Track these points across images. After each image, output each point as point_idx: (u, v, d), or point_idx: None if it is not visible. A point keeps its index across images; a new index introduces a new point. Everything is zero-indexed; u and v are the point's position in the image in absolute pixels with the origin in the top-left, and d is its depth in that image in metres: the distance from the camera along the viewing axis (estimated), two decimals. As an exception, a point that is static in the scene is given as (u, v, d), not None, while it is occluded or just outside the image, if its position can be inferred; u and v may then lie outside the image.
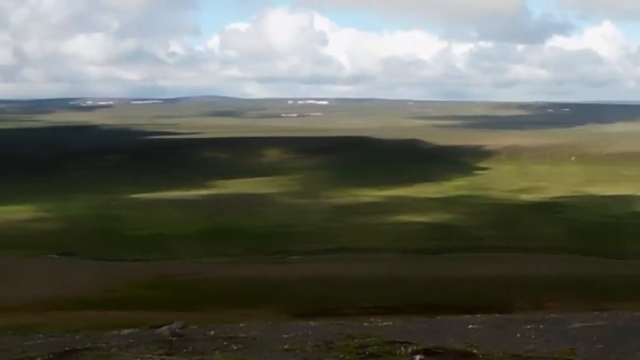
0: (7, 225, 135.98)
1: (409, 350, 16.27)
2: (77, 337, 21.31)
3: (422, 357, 15.81)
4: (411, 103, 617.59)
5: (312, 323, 24.80)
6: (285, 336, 19.26)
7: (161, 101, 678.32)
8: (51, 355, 15.68)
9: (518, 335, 19.55)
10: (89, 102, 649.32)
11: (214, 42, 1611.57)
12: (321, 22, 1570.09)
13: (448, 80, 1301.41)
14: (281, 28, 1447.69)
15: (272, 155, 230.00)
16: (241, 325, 24.41)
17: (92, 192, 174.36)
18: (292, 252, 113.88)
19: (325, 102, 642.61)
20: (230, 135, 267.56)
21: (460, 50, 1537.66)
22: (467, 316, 26.58)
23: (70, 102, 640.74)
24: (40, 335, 22.16)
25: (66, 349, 16.58)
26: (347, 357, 16.08)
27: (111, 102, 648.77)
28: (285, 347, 17.46)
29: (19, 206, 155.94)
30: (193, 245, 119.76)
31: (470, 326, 21.53)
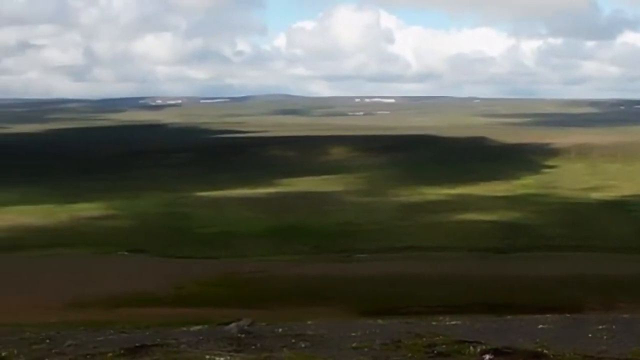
0: (79, 222, 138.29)
1: (478, 350, 16.11)
2: (147, 333, 21.55)
3: (491, 357, 15.64)
4: (478, 101, 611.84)
5: (379, 321, 24.73)
6: (353, 334, 19.22)
7: (229, 100, 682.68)
8: (122, 351, 15.87)
9: (589, 335, 19.25)
10: (158, 101, 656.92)
11: (280, 40, 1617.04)
12: (388, 20, 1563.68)
13: (516, 78, 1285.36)
14: (348, 26, 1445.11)
15: (339, 153, 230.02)
16: (309, 323, 24.44)
17: (161, 190, 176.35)
18: (359, 251, 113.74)
19: (392, 100, 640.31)
20: (296, 134, 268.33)
21: (529, 46, 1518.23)
22: (537, 316, 26.25)
23: (140, 101, 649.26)
24: (112, 331, 22.47)
25: (137, 344, 16.76)
26: (415, 356, 15.99)
27: (180, 101, 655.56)
28: (353, 345, 17.42)
29: (90, 204, 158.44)
30: (260, 243, 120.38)
31: (540, 326, 21.25)
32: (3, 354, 15.71)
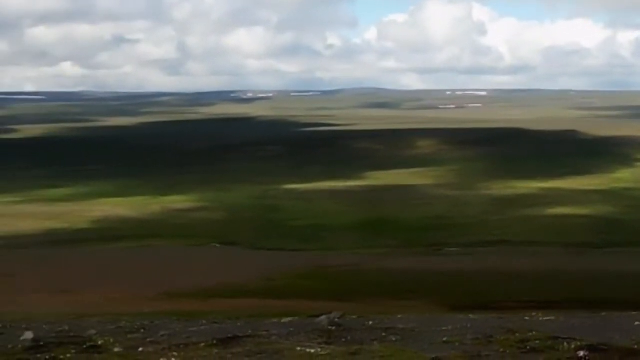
0: (171, 214, 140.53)
1: (572, 346, 15.81)
2: (239, 324, 21.75)
3: (586, 353, 15.32)
4: (573, 93, 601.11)
5: (471, 316, 24.48)
6: (444, 329, 19.07)
7: (319, 93, 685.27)
8: (215, 341, 16.04)
9: (689, 333, 18.68)
10: (250, 95, 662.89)
11: (371, 33, 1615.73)
12: (480, 12, 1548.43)
13: (613, 70, 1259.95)
14: (439, 18, 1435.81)
15: (429, 146, 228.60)
16: (399, 316, 24.34)
17: (252, 182, 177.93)
18: (450, 245, 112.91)
19: (484, 93, 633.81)
20: (386, 127, 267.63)
21: (627, 38, 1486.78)
22: (634, 313, 25.63)
23: (231, 95, 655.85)
24: (204, 322, 22.75)
25: (229, 335, 16.93)
26: (508, 352, 15.76)
27: (270, 95, 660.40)
28: (444, 339, 17.27)
29: (182, 196, 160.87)
30: (350, 236, 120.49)
31: (637, 323, 20.74)
32: (100, 342, 16.05)
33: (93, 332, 18.74)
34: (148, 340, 16.74)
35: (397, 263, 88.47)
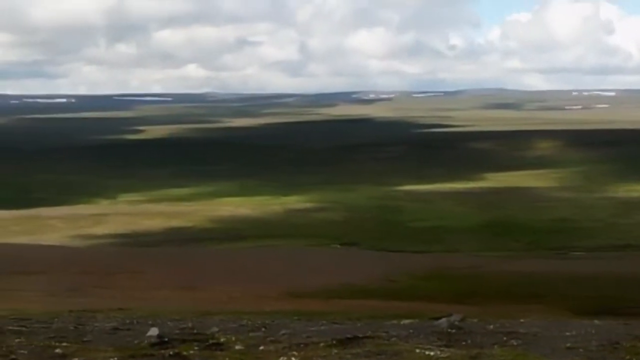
0: (293, 214, 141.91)
1: None
2: (359, 325, 21.77)
3: None
4: None
5: (596, 322, 23.88)
6: (568, 334, 18.65)
7: (442, 94, 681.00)
8: (334, 341, 16.09)
9: None
10: (371, 96, 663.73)
11: (494, 33, 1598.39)
12: (608, 10, 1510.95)
13: None
14: (565, 17, 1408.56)
15: (552, 148, 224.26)
16: (521, 320, 23.94)
17: (373, 183, 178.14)
18: (575, 248, 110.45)
19: (612, 94, 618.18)
20: (509, 128, 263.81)
21: None
22: None
23: (353, 96, 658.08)
24: (324, 322, 22.85)
25: (348, 336, 16.96)
26: (634, 359, 15.30)
27: (392, 95, 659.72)
28: (568, 345, 16.89)
29: (303, 196, 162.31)
30: (472, 238, 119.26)
31: None
32: (222, 339, 16.31)
33: (215, 329, 19.07)
34: (269, 339, 16.92)
35: (520, 266, 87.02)
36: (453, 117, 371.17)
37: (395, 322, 22.15)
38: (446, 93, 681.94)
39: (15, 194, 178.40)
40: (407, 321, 22.01)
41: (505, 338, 17.67)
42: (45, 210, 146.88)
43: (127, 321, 23.31)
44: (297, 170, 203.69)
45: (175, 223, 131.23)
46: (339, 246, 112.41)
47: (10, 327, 18.95)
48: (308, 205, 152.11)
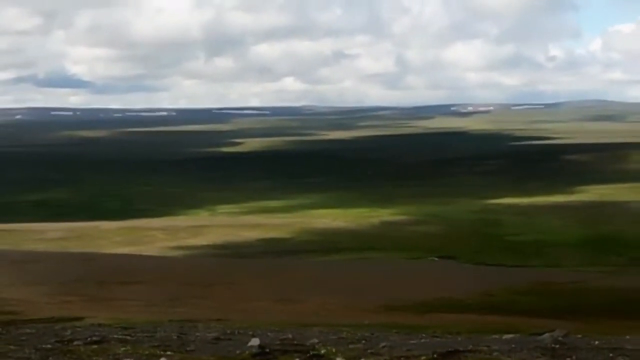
0: (389, 227, 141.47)
1: None
2: (459, 338, 21.55)
3: None
4: None
5: None
6: (677, 352, 18.07)
7: (542, 106, 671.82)
8: (435, 355, 15.95)
9: None
10: (469, 108, 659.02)
11: (595, 44, 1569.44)
12: None
13: None
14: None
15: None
16: (627, 337, 23.35)
17: (471, 196, 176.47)
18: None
19: None
20: (610, 140, 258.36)
21: None
22: None
23: (451, 108, 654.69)
24: (424, 335, 22.69)
25: (449, 349, 16.79)
26: None
27: (490, 108, 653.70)
28: (678, 363, 16.39)
29: (400, 209, 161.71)
30: (573, 252, 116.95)
31: None
32: (322, 351, 16.33)
33: (315, 341, 19.11)
34: (369, 351, 16.86)
35: (625, 282, 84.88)
36: (552, 130, 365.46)
37: (496, 336, 21.84)
38: (546, 105, 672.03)
39: (118, 205, 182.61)
40: (508, 336, 21.68)
41: (611, 354, 17.25)
42: (146, 222, 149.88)
43: (228, 331, 23.58)
44: (394, 183, 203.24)
45: (272, 235, 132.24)
46: (436, 259, 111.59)
47: (116, 336, 19.37)
48: (405, 218, 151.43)
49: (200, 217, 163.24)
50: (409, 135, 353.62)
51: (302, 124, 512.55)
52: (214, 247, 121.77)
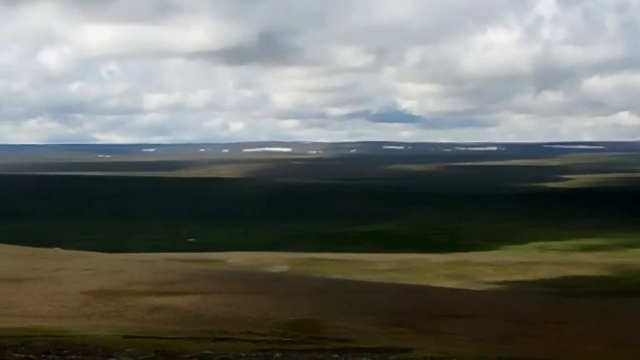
0: None
1: None
2: None
3: None
4: None
5: None
6: None
7: None
8: None
9: None
10: None
11: None
12: None
13: None
14: None
15: None
16: None
17: None
18: None
19: None
20: None
21: None
22: None
23: None
24: None
25: None
26: None
27: None
28: None
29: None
30: None
31: None
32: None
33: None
34: None
35: None
36: None
37: None
38: None
39: (446, 238, 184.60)
40: None
41: None
42: (474, 256, 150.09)
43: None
44: None
45: (605, 274, 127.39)
46: None
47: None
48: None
49: (528, 254, 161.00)
50: None
51: (637, 159, 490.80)
52: (544, 284, 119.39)
